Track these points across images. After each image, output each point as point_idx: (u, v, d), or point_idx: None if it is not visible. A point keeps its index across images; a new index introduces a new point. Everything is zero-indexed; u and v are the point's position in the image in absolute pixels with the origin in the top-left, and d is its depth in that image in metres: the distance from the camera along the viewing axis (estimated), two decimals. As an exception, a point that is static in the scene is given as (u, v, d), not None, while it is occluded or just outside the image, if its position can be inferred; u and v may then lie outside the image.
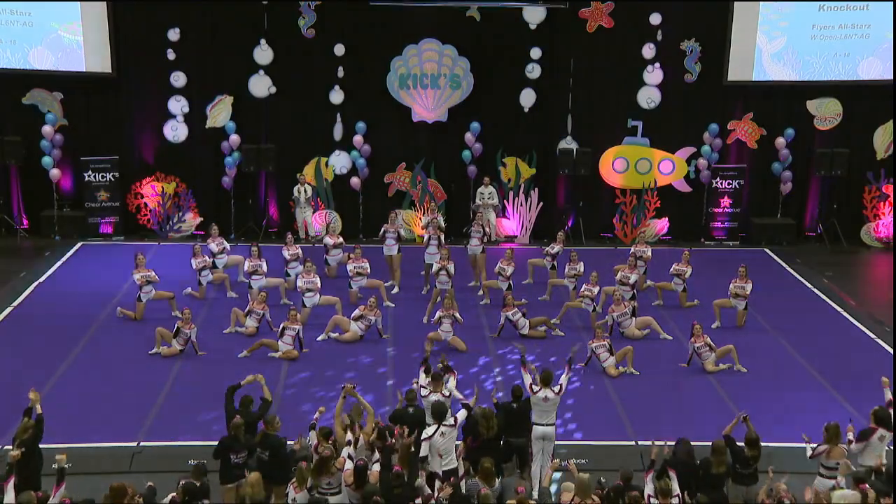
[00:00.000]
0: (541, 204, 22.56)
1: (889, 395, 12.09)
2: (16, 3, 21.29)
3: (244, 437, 11.21)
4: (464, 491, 10.42)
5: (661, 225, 22.82)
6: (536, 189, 22.53)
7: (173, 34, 21.70)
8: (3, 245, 21.78)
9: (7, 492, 9.67)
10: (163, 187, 22.25)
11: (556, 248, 18.92)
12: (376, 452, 10.88)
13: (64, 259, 20.70)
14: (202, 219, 22.20)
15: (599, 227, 22.94)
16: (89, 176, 21.97)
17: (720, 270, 19.37)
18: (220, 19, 21.80)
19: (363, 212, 22.52)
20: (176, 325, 15.95)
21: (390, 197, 22.55)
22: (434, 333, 16.21)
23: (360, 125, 22.12)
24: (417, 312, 17.60)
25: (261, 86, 22.03)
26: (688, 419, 13.24)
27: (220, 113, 22.11)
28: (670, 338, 16.86)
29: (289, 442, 11.51)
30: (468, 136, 22.18)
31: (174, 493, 9.88)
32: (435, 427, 11.17)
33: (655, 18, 22.00)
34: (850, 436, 11.56)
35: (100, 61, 21.63)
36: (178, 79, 21.92)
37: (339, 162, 22.45)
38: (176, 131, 22.17)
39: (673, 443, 11.31)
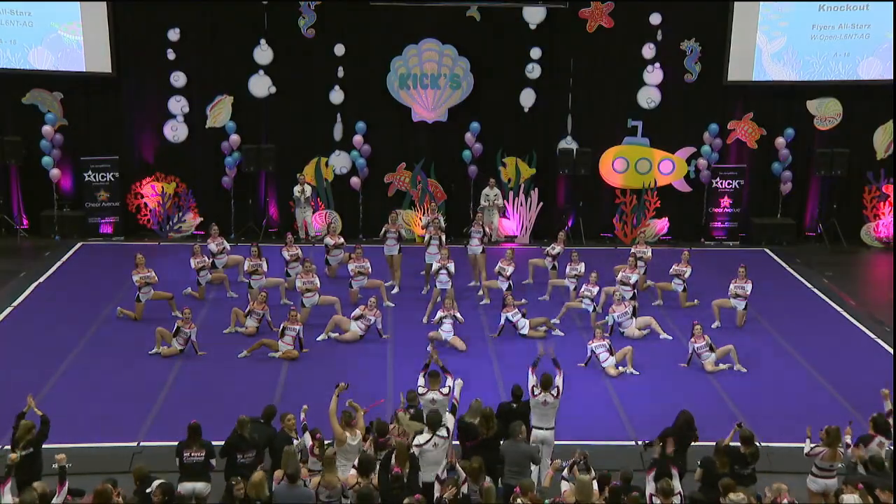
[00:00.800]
0: (541, 204, 22.56)
1: (889, 406, 12.09)
2: (16, 3, 21.29)
3: (251, 435, 11.23)
4: (465, 491, 10.40)
5: (661, 225, 22.82)
6: (536, 189, 22.53)
7: (173, 34, 21.70)
8: (3, 245, 21.78)
9: (4, 494, 9.67)
10: (163, 187, 22.25)
11: (556, 248, 18.92)
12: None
13: (64, 259, 20.70)
14: (202, 219, 22.20)
15: (599, 227, 22.94)
16: (89, 176, 21.98)
17: (720, 270, 19.39)
18: (220, 19, 21.80)
19: (363, 212, 22.53)
20: (176, 325, 15.96)
21: (390, 197, 22.55)
22: (434, 333, 16.23)
23: (360, 125, 22.12)
24: (417, 312, 17.60)
25: (261, 86, 22.04)
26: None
27: (220, 113, 22.11)
28: (670, 338, 16.87)
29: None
30: (468, 136, 22.18)
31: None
32: (428, 436, 11.03)
33: (655, 18, 22.00)
34: (848, 439, 11.58)
35: (100, 61, 21.63)
36: (178, 79, 21.92)
37: (339, 162, 22.45)
38: (176, 131, 22.17)
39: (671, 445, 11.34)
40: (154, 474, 10.48)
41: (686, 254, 18.40)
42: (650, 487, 10.38)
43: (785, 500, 9.99)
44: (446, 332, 16.20)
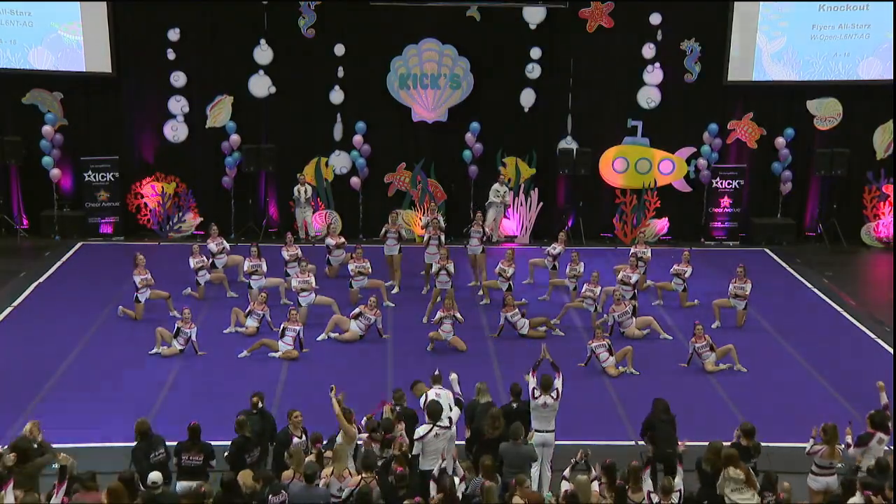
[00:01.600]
0: (541, 204, 22.56)
1: (885, 399, 12.09)
2: (16, 3, 21.29)
3: (252, 433, 11.25)
4: (467, 491, 10.41)
5: (661, 225, 22.82)
6: (536, 189, 22.53)
7: (173, 34, 21.70)
8: (3, 245, 21.78)
9: (7, 495, 9.67)
10: (163, 187, 22.25)
11: (557, 248, 18.91)
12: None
13: (64, 259, 20.70)
14: (202, 219, 22.20)
15: (599, 227, 22.94)
16: (89, 176, 21.97)
17: (720, 270, 19.40)
18: (220, 19, 21.80)
19: (363, 212, 22.52)
20: (176, 325, 15.97)
21: (390, 197, 22.55)
22: (434, 333, 16.24)
23: (360, 125, 22.12)
24: (417, 312, 17.60)
25: (261, 86, 22.03)
26: (688, 419, 13.20)
27: (220, 113, 22.11)
28: (670, 338, 16.87)
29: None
30: (468, 136, 22.18)
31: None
32: (429, 427, 11.12)
33: (655, 18, 21.99)
34: (849, 438, 11.57)
35: (100, 61, 21.63)
36: (178, 79, 21.92)
37: (339, 162, 22.45)
38: (176, 131, 22.16)
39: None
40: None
41: (686, 254, 18.41)
42: (648, 485, 10.40)
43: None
44: (446, 332, 16.21)
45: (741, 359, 15.72)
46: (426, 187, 22.45)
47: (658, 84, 22.33)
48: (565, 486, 10.57)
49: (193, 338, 15.89)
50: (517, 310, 16.87)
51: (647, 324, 16.92)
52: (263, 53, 21.90)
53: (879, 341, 17.11)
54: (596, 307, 17.20)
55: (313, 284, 17.22)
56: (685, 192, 22.91)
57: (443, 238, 19.06)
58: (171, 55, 21.80)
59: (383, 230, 19.02)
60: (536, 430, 11.97)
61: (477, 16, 21.91)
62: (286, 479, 10.41)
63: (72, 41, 21.54)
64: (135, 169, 22.37)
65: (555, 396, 12.02)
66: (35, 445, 10.78)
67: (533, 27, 21.98)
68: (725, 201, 22.68)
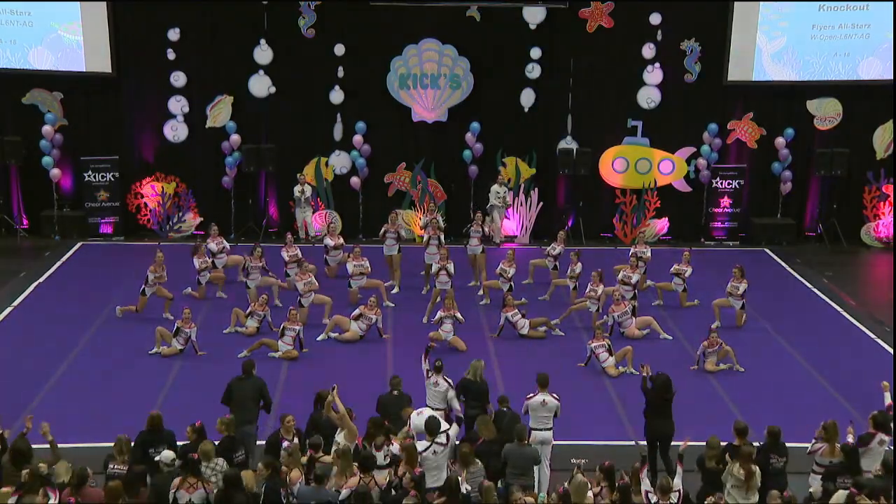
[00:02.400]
0: (541, 204, 22.56)
1: (889, 400, 12.08)
2: (16, 3, 21.29)
3: (238, 434, 11.28)
4: (464, 491, 10.39)
5: (661, 225, 22.82)
6: (536, 189, 22.53)
7: (173, 34, 21.70)
8: (3, 245, 21.78)
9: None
10: (163, 187, 22.25)
11: (557, 248, 18.91)
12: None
13: (64, 259, 20.70)
14: (202, 219, 22.21)
15: (599, 227, 22.94)
16: (89, 176, 21.98)
17: (720, 270, 19.36)
18: (220, 19, 21.80)
19: (363, 212, 22.53)
20: (176, 325, 15.96)
21: (390, 197, 22.55)
22: (435, 333, 16.23)
23: (360, 125, 22.12)
24: (417, 312, 17.60)
25: (261, 86, 22.03)
26: (688, 419, 13.20)
27: (220, 113, 22.11)
28: (670, 338, 16.88)
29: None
30: (468, 136, 22.18)
31: None
32: (427, 443, 10.99)
33: (655, 18, 21.99)
34: (850, 438, 11.55)
35: (100, 61, 21.63)
36: (178, 79, 21.92)
37: (339, 162, 22.45)
38: (176, 131, 22.17)
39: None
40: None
41: (687, 253, 18.40)
42: (645, 485, 10.39)
43: None
44: (446, 332, 16.21)
45: (741, 359, 15.71)
46: (426, 187, 22.44)
47: (658, 84, 22.33)
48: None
49: (193, 337, 15.89)
50: (517, 310, 16.88)
51: (647, 324, 16.92)
52: (263, 53, 21.91)
53: (879, 341, 17.11)
54: (598, 307, 17.19)
55: (316, 285, 17.21)
56: (685, 192, 22.91)
57: (443, 238, 19.06)
58: (171, 55, 21.80)
59: (382, 230, 19.03)
60: (534, 429, 11.96)
61: (477, 16, 21.91)
62: (295, 479, 10.40)
63: (72, 41, 21.54)
64: (135, 169, 22.38)
65: (556, 396, 12.01)
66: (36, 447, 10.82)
67: (533, 27, 21.98)
68: (725, 201, 22.68)
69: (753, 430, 11.53)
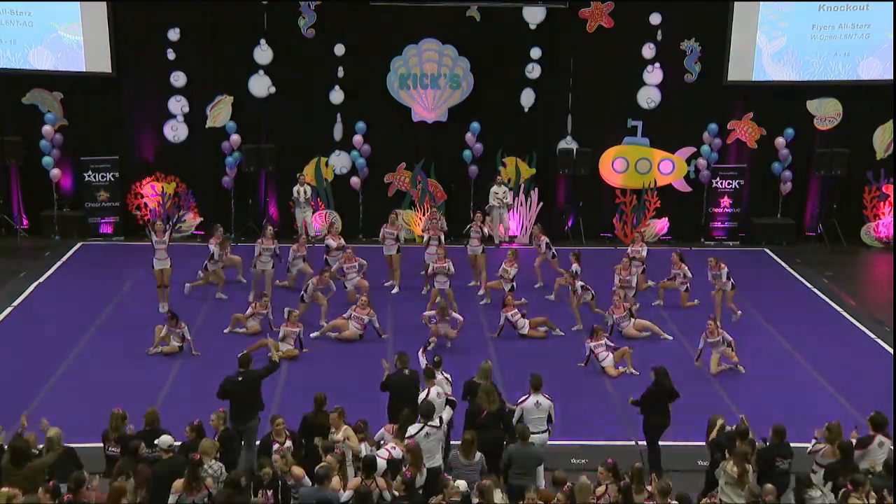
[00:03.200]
0: (541, 204, 22.56)
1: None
2: (16, 3, 21.29)
3: (234, 427, 11.39)
4: (463, 490, 10.37)
5: (661, 225, 22.83)
6: (536, 189, 22.54)
7: (173, 34, 21.70)
8: (3, 245, 21.79)
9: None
10: (163, 187, 22.25)
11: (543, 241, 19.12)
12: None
13: (64, 259, 20.70)
14: (202, 219, 22.21)
15: (599, 227, 22.95)
16: (89, 176, 21.98)
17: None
18: (220, 19, 21.80)
19: (363, 212, 22.53)
20: (166, 325, 15.91)
21: (390, 197, 22.55)
22: (435, 328, 16.21)
23: (360, 125, 22.12)
24: (417, 312, 17.58)
25: (261, 86, 22.03)
26: (688, 419, 13.22)
27: (220, 113, 22.11)
28: (670, 338, 16.89)
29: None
30: (468, 136, 22.18)
31: None
32: (420, 426, 11.09)
33: (655, 18, 21.99)
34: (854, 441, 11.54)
35: (100, 61, 21.63)
36: (178, 79, 21.92)
37: (339, 162, 22.45)
38: (176, 131, 22.17)
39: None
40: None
41: (674, 255, 18.33)
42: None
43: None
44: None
45: (741, 359, 15.70)
46: (426, 187, 22.45)
47: (658, 84, 22.33)
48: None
49: (187, 335, 15.87)
50: (517, 310, 16.88)
51: (646, 326, 16.93)
52: (263, 53, 21.90)
53: (879, 341, 17.11)
54: (593, 295, 17.23)
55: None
56: (685, 192, 22.91)
57: (442, 238, 19.07)
58: (171, 55, 21.80)
59: (382, 231, 19.04)
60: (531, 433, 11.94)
61: (477, 16, 21.91)
62: (299, 476, 10.39)
63: (72, 41, 21.54)
64: (135, 169, 22.38)
65: (549, 397, 12.01)
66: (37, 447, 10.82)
67: (533, 27, 21.98)
68: (725, 201, 22.68)
69: (754, 430, 11.50)
